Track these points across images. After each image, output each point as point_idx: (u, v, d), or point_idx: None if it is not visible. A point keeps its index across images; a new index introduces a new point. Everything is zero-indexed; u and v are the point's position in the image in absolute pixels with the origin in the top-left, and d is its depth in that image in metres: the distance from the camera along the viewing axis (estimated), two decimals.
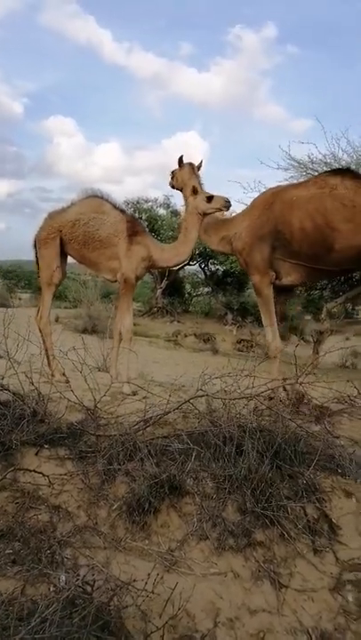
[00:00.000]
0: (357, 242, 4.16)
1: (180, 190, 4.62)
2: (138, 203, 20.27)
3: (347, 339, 16.58)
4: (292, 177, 11.22)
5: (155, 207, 20.31)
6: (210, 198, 4.42)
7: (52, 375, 4.50)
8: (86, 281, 16.82)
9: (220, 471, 2.86)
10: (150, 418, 3.33)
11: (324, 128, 10.93)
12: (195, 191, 4.49)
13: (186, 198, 4.55)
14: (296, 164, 11.18)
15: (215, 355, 14.03)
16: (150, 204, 20.19)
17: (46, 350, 4.66)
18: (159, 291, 19.00)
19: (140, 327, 18.21)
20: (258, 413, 3.38)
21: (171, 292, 19.40)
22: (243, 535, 2.58)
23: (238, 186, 11.26)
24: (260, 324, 21.25)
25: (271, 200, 4.68)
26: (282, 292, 5.11)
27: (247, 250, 4.63)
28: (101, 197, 4.68)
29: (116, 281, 4.69)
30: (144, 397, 4.21)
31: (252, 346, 16.86)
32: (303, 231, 4.36)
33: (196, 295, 21.45)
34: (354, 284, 11.13)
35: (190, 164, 4.56)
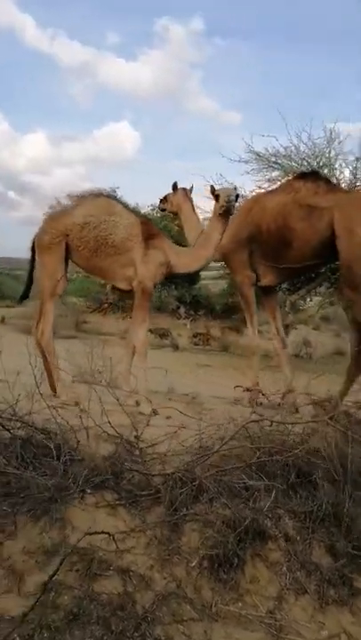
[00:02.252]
0: (312, 239, 4.37)
1: (175, 214, 4.85)
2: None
3: (295, 328, 16.83)
4: (253, 169, 11.06)
5: None
6: (217, 197, 4.08)
7: (56, 396, 3.97)
8: (19, 276, 15.90)
9: (300, 507, 2.54)
10: (203, 447, 2.94)
11: (286, 122, 10.78)
12: (212, 192, 4.18)
13: (181, 221, 4.77)
14: (257, 157, 11.00)
15: (176, 351, 13.72)
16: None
17: (49, 370, 4.12)
18: (109, 286, 18.27)
19: (92, 325, 17.56)
20: (321, 436, 3.07)
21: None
22: (342, 584, 2.29)
23: (201, 178, 10.92)
24: (213, 316, 21.22)
25: (250, 206, 4.96)
26: (268, 292, 5.21)
27: (229, 254, 4.79)
28: (108, 197, 4.20)
29: (130, 290, 4.23)
30: (168, 417, 3.81)
31: (208, 339, 16.70)
32: (269, 233, 4.62)
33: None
34: (312, 277, 11.16)
35: (184, 189, 4.80)
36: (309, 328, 18.95)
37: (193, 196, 4.93)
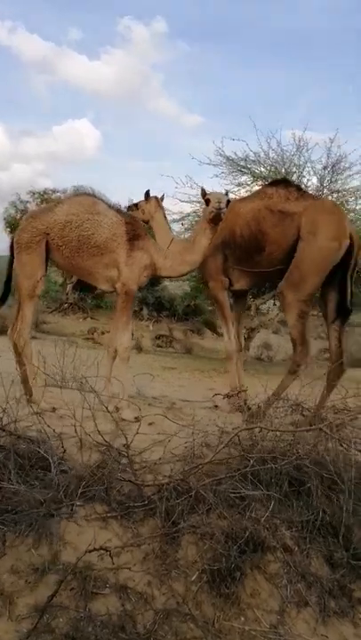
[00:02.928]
0: (283, 243, 4.44)
1: (146, 222, 4.79)
2: (45, 193, 18.91)
3: (258, 331, 17.02)
4: (222, 172, 11.10)
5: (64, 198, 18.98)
6: (207, 202, 3.99)
7: (31, 402, 3.77)
8: None
9: (296, 517, 2.50)
10: (192, 455, 2.86)
11: (255, 127, 10.87)
12: (203, 196, 4.09)
13: (154, 229, 4.70)
14: (226, 160, 11.06)
15: (140, 352, 13.57)
16: (59, 194, 18.91)
17: (25, 374, 3.92)
18: (69, 286, 17.92)
19: (53, 325, 17.18)
20: (313, 443, 3.04)
21: (82, 287, 18.40)
22: (342, 595, 2.26)
23: (171, 180, 10.89)
24: (176, 318, 21.20)
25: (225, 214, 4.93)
26: (238, 297, 5.24)
27: (204, 259, 4.67)
28: (93, 195, 4.03)
29: (113, 291, 4.08)
30: (150, 423, 3.70)
31: (171, 341, 16.66)
32: (243, 238, 4.67)
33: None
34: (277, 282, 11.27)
35: (156, 197, 4.79)
36: (269, 331, 19.22)
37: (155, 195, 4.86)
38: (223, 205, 3.88)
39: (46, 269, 4.01)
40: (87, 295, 18.85)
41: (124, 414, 3.83)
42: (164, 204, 4.92)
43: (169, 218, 6.17)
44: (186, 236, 10.41)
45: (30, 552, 2.19)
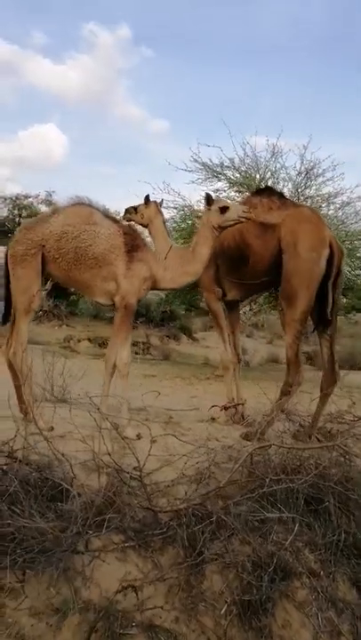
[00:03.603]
0: (265, 255, 4.37)
1: (145, 226, 4.70)
2: (17, 199, 18.51)
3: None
4: (199, 178, 11.05)
5: (36, 204, 18.69)
6: (224, 209, 3.88)
7: (29, 420, 3.59)
8: None
9: (318, 538, 2.43)
10: (200, 474, 2.75)
11: (230, 132, 10.85)
12: (209, 202, 3.97)
13: (152, 235, 4.58)
14: (202, 167, 11.01)
15: None
16: (31, 199, 18.56)
17: (20, 392, 3.74)
18: (44, 293, 17.52)
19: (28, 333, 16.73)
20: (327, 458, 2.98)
21: (56, 293, 18.04)
22: None
23: (149, 187, 10.77)
24: (153, 324, 20.90)
25: None
26: (231, 307, 5.16)
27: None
28: (90, 205, 3.88)
29: (112, 305, 3.93)
30: (153, 441, 3.57)
31: (148, 348, 16.52)
32: (229, 249, 4.61)
33: (83, 296, 20.32)
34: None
35: (155, 202, 4.71)
36: (243, 335, 19.30)
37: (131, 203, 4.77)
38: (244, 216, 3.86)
39: (42, 283, 3.84)
40: (62, 302, 18.51)
41: (125, 432, 3.69)
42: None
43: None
44: None
45: (49, 590, 2.04)
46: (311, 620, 2.15)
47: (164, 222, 4.79)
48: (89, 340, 16.21)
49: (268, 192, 4.78)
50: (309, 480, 2.64)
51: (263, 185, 10.57)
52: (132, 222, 4.72)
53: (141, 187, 16.62)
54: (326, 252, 4.09)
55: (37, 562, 2.06)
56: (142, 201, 4.54)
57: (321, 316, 4.26)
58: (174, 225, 10.92)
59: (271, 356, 15.32)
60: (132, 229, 4.05)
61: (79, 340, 15.83)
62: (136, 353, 15.99)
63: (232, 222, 3.88)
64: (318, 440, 3.86)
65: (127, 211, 4.90)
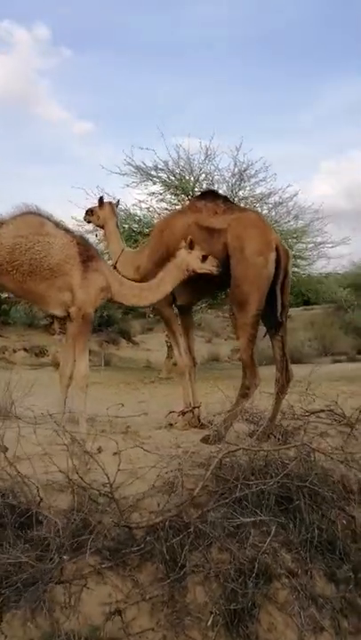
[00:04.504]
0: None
1: (101, 227, 4.82)
2: None
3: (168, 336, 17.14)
4: (133, 182, 10.96)
5: None
6: (205, 258, 3.93)
7: None
8: None
9: (294, 537, 2.46)
10: (167, 483, 2.71)
11: (162, 134, 10.86)
12: (191, 246, 3.97)
13: (106, 237, 4.67)
14: (136, 170, 10.93)
15: (58, 369, 12.96)
16: None
17: None
18: None
19: None
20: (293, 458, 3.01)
21: None
22: (352, 613, 2.25)
23: (82, 192, 10.54)
24: (92, 330, 20.66)
25: (163, 227, 4.86)
26: (183, 312, 5.16)
27: (148, 275, 4.60)
28: (39, 214, 3.72)
29: (66, 317, 3.79)
30: (115, 453, 3.48)
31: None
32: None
33: (15, 304, 19.54)
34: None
35: (110, 204, 4.80)
36: None
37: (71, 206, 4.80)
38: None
39: None
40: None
41: (87, 446, 3.57)
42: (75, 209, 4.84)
43: (81, 230, 6.08)
44: (101, 246, 10.18)
45: (27, 626, 1.92)
46: (294, 619, 2.17)
47: (117, 224, 4.85)
48: (25, 349, 15.66)
49: (212, 196, 4.77)
50: (280, 481, 2.67)
51: (198, 187, 10.69)
52: (87, 230, 4.71)
53: (75, 192, 16.28)
54: (273, 255, 4.13)
55: (13, 597, 1.93)
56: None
57: (272, 320, 4.30)
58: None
59: (212, 355, 15.52)
60: (85, 239, 3.95)
61: (15, 351, 15.27)
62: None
63: (206, 271, 3.94)
64: (276, 438, 3.92)
65: (86, 212, 4.96)
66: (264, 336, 4.61)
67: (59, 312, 3.78)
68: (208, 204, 4.57)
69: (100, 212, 4.71)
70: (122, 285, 3.90)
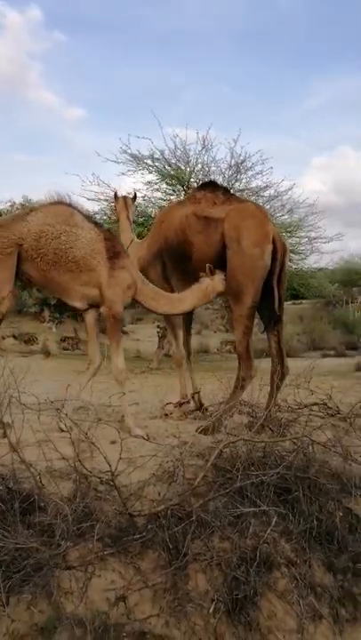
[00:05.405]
0: (208, 251, 4.35)
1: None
2: None
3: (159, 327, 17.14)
4: (129, 170, 10.89)
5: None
6: (224, 279, 4.04)
7: None
8: None
9: (294, 527, 2.49)
10: (167, 472, 2.73)
11: (158, 123, 10.78)
12: (212, 272, 4.03)
13: (119, 226, 4.84)
14: (132, 159, 10.85)
15: (47, 357, 12.95)
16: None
17: None
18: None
19: None
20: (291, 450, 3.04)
21: None
22: (349, 602, 2.29)
23: (77, 179, 10.47)
24: (81, 318, 20.57)
25: (163, 219, 4.88)
26: None
27: (147, 267, 4.69)
28: (70, 205, 3.71)
29: (85, 310, 3.82)
30: (112, 442, 3.49)
31: (77, 343, 16.14)
32: (173, 245, 4.57)
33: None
34: None
35: (124, 197, 4.97)
36: None
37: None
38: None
39: (15, 284, 3.65)
40: None
41: (133, 432, 3.78)
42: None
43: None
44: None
45: (30, 610, 1.93)
46: (294, 607, 2.21)
47: (129, 217, 4.97)
48: (14, 336, 15.55)
49: (212, 187, 4.75)
50: (280, 472, 2.69)
51: (194, 178, 10.65)
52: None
53: (69, 178, 16.11)
54: (270, 247, 4.12)
55: (18, 582, 1.94)
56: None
57: (269, 313, 4.30)
58: (105, 217, 10.69)
59: (201, 347, 15.52)
60: (112, 234, 3.95)
61: (3, 337, 15.16)
62: (65, 349, 15.58)
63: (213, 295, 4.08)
64: (271, 430, 3.95)
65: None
66: (262, 332, 4.63)
67: (80, 305, 3.81)
68: (208, 194, 4.55)
69: (116, 206, 5.02)
70: (144, 285, 3.93)
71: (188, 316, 5.14)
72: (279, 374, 4.42)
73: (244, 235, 4.15)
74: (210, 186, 4.81)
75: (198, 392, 4.68)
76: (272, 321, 4.37)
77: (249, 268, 4.10)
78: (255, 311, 4.24)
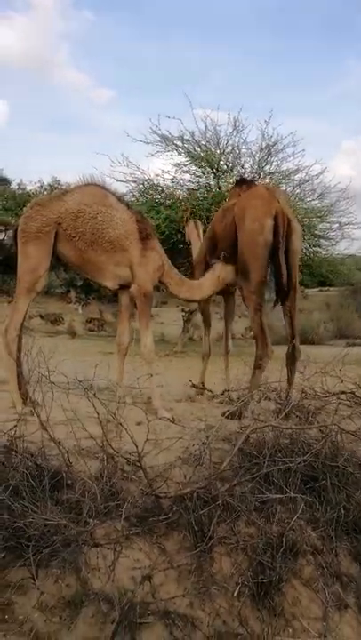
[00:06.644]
0: (227, 238, 4.35)
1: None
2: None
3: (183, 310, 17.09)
4: (158, 151, 10.78)
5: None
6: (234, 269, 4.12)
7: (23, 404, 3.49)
8: None
9: (321, 515, 2.47)
10: (194, 456, 2.73)
11: (189, 104, 10.62)
12: (226, 260, 4.14)
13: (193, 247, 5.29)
14: (161, 139, 10.73)
15: (73, 338, 13.08)
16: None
17: (15, 373, 3.59)
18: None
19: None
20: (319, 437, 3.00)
21: (4, 269, 17.26)
22: None
23: (106, 159, 10.43)
24: (107, 300, 20.52)
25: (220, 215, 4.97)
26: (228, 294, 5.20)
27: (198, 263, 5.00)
28: (103, 187, 3.77)
29: (117, 290, 3.86)
30: (138, 423, 3.51)
31: (103, 324, 16.25)
32: (209, 240, 4.84)
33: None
34: None
35: (195, 222, 5.60)
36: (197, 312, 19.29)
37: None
38: None
39: (52, 263, 3.70)
40: (10, 278, 17.81)
41: (161, 413, 3.85)
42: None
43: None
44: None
45: (58, 584, 1.97)
46: (319, 595, 2.19)
47: (200, 236, 5.44)
48: (41, 316, 15.75)
49: (243, 182, 4.91)
50: (307, 459, 2.66)
51: (224, 160, 10.49)
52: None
53: (99, 158, 16.06)
54: (270, 222, 4.01)
55: (47, 556, 1.97)
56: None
57: (277, 289, 4.20)
58: (133, 199, 10.64)
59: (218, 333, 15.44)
60: (143, 216, 3.99)
61: (30, 317, 15.35)
62: (90, 330, 15.72)
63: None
64: (298, 418, 3.91)
65: None
66: (273, 307, 4.53)
67: (111, 285, 3.86)
68: (237, 189, 4.73)
69: (186, 230, 5.58)
70: (171, 269, 3.98)
71: (229, 307, 5.19)
72: (290, 357, 4.32)
73: (247, 213, 4.15)
74: (243, 183, 4.92)
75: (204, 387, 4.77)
76: (281, 297, 4.25)
77: (249, 243, 4.08)
78: (263, 287, 4.18)
